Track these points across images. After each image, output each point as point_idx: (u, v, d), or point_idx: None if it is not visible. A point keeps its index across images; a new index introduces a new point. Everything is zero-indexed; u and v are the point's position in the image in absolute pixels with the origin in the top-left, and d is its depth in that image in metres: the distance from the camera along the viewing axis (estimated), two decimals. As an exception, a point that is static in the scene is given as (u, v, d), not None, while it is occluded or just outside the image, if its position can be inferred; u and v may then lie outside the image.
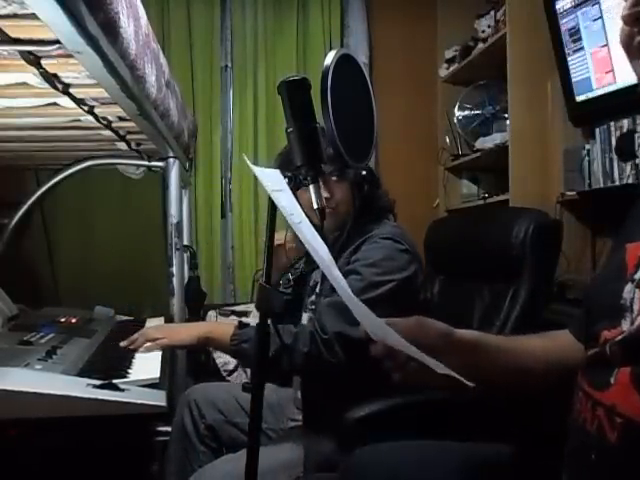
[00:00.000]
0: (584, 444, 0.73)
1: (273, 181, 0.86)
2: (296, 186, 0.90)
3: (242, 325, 1.37)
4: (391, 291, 1.32)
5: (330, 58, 0.80)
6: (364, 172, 1.43)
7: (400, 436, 1.01)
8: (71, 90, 1.13)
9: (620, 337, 0.70)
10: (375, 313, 1.31)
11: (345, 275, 1.37)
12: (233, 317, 2.35)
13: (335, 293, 1.45)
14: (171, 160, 1.64)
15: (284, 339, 1.29)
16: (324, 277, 1.60)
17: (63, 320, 1.76)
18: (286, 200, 0.84)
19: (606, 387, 0.70)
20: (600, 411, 0.71)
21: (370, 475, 0.95)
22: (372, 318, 0.74)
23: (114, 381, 1.12)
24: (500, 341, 0.89)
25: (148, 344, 1.36)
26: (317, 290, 1.56)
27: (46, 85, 1.06)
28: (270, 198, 0.94)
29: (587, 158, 2.14)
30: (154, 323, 1.91)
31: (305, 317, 1.66)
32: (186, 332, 1.39)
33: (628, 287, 0.71)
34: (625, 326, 0.70)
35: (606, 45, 1.93)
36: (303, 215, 0.84)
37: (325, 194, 1.45)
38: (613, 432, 0.68)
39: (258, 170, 0.86)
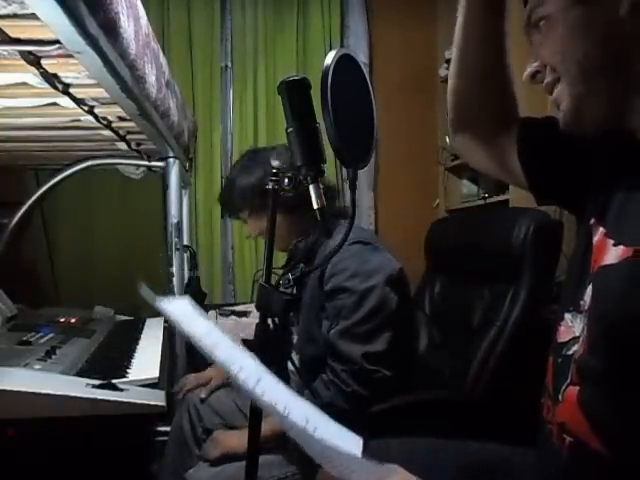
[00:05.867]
0: (547, 454, 0.71)
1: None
2: (296, 186, 0.90)
3: None
4: (382, 294, 1.31)
5: (330, 58, 0.80)
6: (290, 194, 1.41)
7: (400, 435, 1.00)
8: (71, 90, 1.13)
9: (571, 352, 0.67)
10: (377, 322, 1.30)
11: (331, 296, 1.34)
12: (233, 317, 2.35)
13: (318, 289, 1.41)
14: (171, 160, 1.64)
15: (323, 397, 1.26)
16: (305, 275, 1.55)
17: (62, 320, 1.77)
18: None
19: (557, 402, 0.68)
20: (554, 426, 0.68)
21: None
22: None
23: (113, 381, 1.12)
24: None
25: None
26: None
27: (46, 85, 1.06)
28: (271, 197, 0.94)
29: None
30: (154, 323, 1.90)
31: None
32: (239, 441, 1.26)
33: (589, 290, 0.67)
34: (577, 327, 0.68)
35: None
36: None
37: (253, 231, 1.46)
38: (564, 450, 0.66)
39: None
